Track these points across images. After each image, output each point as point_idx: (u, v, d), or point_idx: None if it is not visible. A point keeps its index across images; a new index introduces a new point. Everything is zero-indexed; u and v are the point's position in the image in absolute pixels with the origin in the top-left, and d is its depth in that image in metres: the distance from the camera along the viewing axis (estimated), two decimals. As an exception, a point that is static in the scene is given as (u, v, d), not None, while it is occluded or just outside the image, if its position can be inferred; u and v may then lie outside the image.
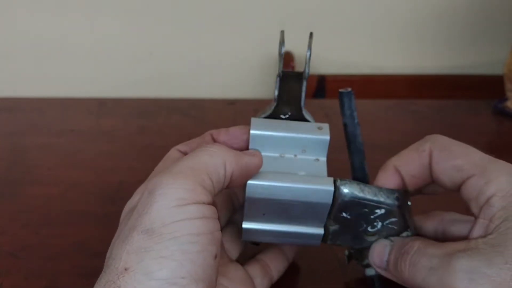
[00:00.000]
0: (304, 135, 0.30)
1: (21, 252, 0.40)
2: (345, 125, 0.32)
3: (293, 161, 0.30)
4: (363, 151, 0.32)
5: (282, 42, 0.31)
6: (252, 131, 0.30)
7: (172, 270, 0.23)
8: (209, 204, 0.25)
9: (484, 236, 0.27)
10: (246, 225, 0.31)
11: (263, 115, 0.31)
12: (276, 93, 0.31)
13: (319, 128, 0.31)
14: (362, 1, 0.71)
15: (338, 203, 0.29)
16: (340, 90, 0.32)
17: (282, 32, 0.31)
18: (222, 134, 0.31)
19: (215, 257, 0.25)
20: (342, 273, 0.38)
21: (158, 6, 0.70)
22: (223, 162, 0.27)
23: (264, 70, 0.74)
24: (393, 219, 0.30)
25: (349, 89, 0.32)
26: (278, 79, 0.32)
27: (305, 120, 0.32)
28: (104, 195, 0.46)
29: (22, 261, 0.39)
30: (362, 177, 0.32)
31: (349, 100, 0.32)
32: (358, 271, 0.38)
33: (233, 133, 0.31)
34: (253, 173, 0.28)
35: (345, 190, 0.29)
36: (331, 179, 0.29)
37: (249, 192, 0.28)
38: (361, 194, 0.29)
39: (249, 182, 0.28)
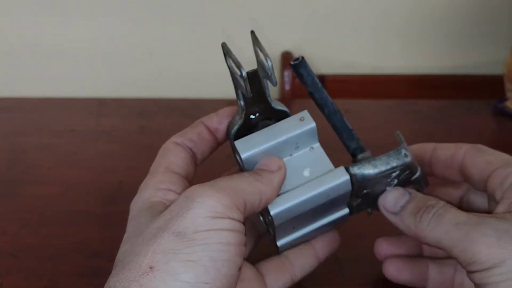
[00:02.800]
0: (291, 134, 0.30)
1: (21, 252, 0.40)
2: (311, 94, 0.31)
3: (292, 161, 0.30)
4: (338, 110, 0.32)
5: (226, 53, 0.29)
6: (243, 156, 0.29)
7: (198, 274, 0.23)
8: (240, 222, 0.26)
9: (509, 212, 0.27)
10: (280, 242, 0.32)
11: (236, 126, 0.30)
12: (242, 103, 0.30)
13: (301, 119, 0.30)
14: (362, 1, 0.71)
15: (357, 186, 0.30)
16: (292, 62, 0.31)
17: (225, 44, 0.29)
18: (214, 121, 0.32)
19: (239, 268, 0.25)
20: (341, 274, 0.38)
21: (158, 6, 0.70)
22: (260, 195, 0.27)
23: (264, 70, 0.74)
24: (407, 171, 0.30)
25: (300, 58, 0.30)
26: (240, 92, 0.29)
27: (277, 111, 0.31)
28: (104, 195, 0.46)
29: (22, 261, 0.39)
30: (348, 135, 0.32)
31: (305, 69, 0.31)
32: (357, 273, 0.38)
33: (223, 115, 0.32)
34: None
35: (360, 173, 0.29)
36: (342, 168, 0.29)
37: (276, 220, 0.28)
38: (376, 170, 0.29)
39: (273, 212, 0.28)
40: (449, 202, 0.34)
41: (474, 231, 0.26)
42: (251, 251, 0.34)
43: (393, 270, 0.35)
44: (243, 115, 0.30)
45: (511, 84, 0.59)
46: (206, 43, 0.72)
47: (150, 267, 0.23)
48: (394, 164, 0.29)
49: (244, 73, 0.27)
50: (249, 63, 0.30)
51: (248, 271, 0.32)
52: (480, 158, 0.31)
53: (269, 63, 0.27)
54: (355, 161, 0.32)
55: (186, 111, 0.59)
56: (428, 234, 0.28)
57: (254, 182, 0.27)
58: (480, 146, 0.32)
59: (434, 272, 0.34)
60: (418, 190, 0.32)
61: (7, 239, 0.41)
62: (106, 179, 0.48)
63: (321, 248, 0.34)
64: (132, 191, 0.30)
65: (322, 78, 0.73)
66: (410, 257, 0.35)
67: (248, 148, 0.29)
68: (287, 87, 0.72)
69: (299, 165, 0.30)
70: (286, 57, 0.72)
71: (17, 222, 0.43)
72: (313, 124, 0.30)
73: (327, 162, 0.30)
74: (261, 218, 0.32)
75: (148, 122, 0.58)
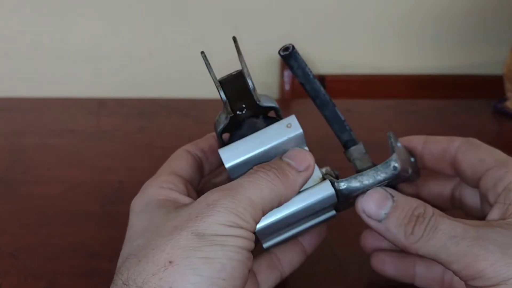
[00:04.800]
0: (278, 141, 0.29)
1: (21, 252, 0.40)
2: (302, 85, 0.30)
3: None
4: (331, 100, 0.31)
5: (207, 65, 0.29)
6: (227, 166, 0.28)
7: (216, 270, 0.24)
8: (252, 231, 0.26)
9: (503, 219, 0.27)
10: (266, 244, 0.32)
11: (222, 126, 0.30)
12: (229, 108, 0.29)
13: (288, 126, 0.29)
14: (362, 1, 0.71)
15: (342, 199, 0.29)
16: (281, 53, 0.29)
17: (203, 54, 0.29)
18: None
19: (249, 271, 0.26)
20: (341, 273, 0.38)
21: (158, 6, 0.70)
22: (280, 198, 0.27)
23: (264, 70, 0.74)
24: (397, 180, 0.30)
25: (289, 47, 0.29)
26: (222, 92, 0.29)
27: (263, 107, 0.30)
28: (104, 195, 0.46)
29: (22, 261, 0.39)
30: (340, 126, 0.31)
31: (296, 59, 0.30)
32: (357, 271, 0.38)
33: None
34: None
35: (345, 188, 0.29)
36: (328, 182, 0.29)
37: (260, 236, 0.29)
38: (361, 185, 0.29)
39: (257, 228, 0.27)
40: (441, 194, 0.34)
41: (475, 247, 0.25)
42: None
43: (378, 263, 0.35)
44: (229, 117, 0.30)
45: (511, 84, 0.59)
46: (206, 43, 0.72)
47: (170, 262, 0.24)
48: (382, 178, 0.29)
49: (223, 97, 0.28)
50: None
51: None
52: (473, 155, 0.30)
53: (245, 70, 0.28)
54: (347, 155, 0.32)
55: (186, 111, 0.59)
56: (422, 247, 0.26)
57: (276, 186, 0.27)
58: (473, 140, 0.31)
59: (421, 269, 0.34)
60: (410, 181, 0.32)
61: (7, 239, 0.41)
62: (106, 179, 0.48)
63: (308, 242, 0.34)
64: (132, 191, 0.30)
65: (322, 78, 0.73)
66: (397, 252, 0.35)
67: (232, 157, 0.29)
68: (287, 87, 0.72)
69: None
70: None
71: (17, 222, 0.43)
72: (300, 131, 0.29)
73: (315, 169, 0.29)
74: None
75: (148, 122, 0.58)
